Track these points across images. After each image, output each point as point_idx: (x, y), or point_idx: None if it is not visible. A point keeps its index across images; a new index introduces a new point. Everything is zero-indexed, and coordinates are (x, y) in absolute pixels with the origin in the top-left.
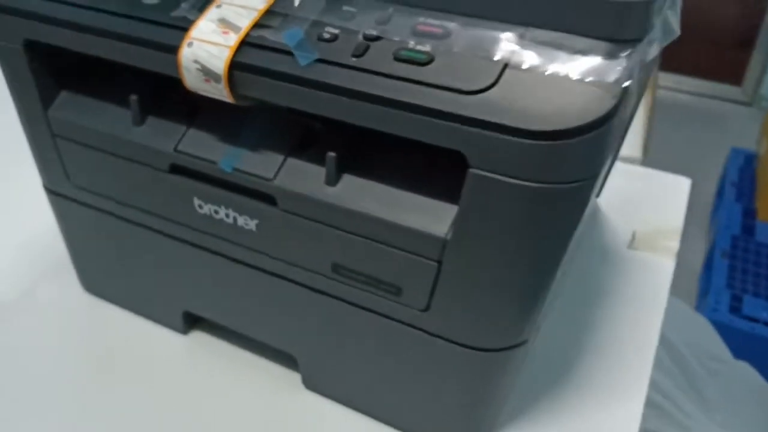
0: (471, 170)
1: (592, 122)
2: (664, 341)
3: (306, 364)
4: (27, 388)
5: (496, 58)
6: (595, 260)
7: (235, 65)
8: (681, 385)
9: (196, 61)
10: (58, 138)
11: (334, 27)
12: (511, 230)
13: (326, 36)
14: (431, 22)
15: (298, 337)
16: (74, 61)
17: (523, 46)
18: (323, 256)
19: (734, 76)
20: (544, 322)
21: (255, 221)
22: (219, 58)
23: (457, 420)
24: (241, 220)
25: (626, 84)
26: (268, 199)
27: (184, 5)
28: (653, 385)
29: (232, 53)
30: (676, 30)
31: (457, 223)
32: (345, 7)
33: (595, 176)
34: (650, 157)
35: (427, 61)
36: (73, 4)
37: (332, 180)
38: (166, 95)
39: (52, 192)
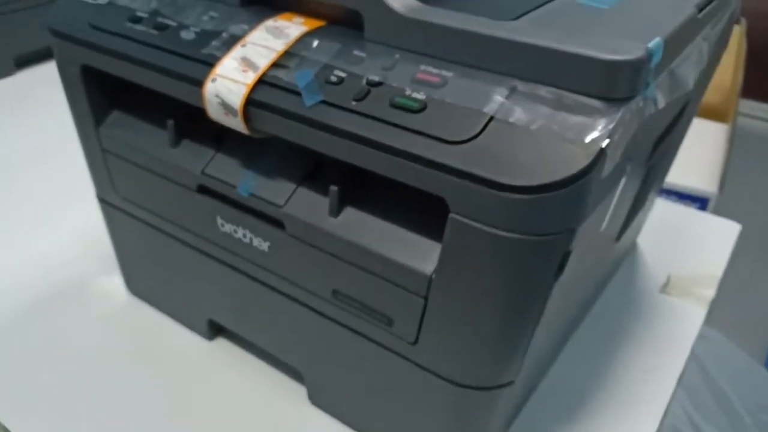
0: (451, 215)
1: (560, 181)
2: (717, 391)
3: (311, 380)
4: (63, 371)
5: (485, 109)
6: (624, 300)
7: (250, 101)
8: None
9: (217, 96)
10: (107, 153)
11: (343, 71)
12: (486, 275)
13: (333, 79)
14: (431, 71)
15: (304, 354)
16: (126, 84)
17: (513, 100)
18: (324, 281)
19: None
20: (554, 360)
21: (267, 243)
22: (237, 95)
23: None
24: (255, 241)
25: (603, 144)
26: (278, 224)
27: (214, 43)
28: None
29: (249, 90)
30: (689, 84)
31: (440, 263)
32: (356, 52)
33: (570, 231)
34: (727, 192)
35: (419, 109)
36: (123, 36)
37: (334, 211)
38: (199, 121)
39: (102, 200)
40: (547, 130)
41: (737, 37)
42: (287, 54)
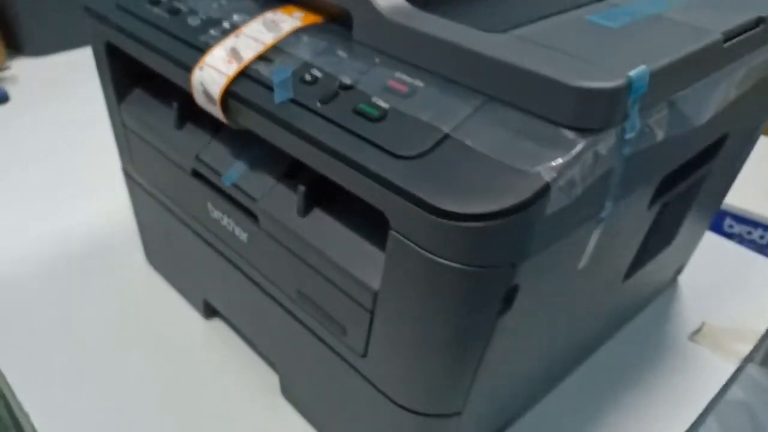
0: (391, 231)
1: (494, 212)
2: None
3: (282, 373)
4: (72, 327)
5: (443, 126)
6: (647, 342)
7: (229, 93)
8: None
9: (202, 84)
10: (127, 128)
11: (320, 70)
12: (422, 300)
13: (308, 78)
14: (403, 79)
15: (276, 347)
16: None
17: (474, 120)
18: (291, 281)
19: None
20: (544, 394)
21: (246, 234)
22: (218, 85)
23: None
24: (237, 231)
25: (549, 178)
26: (254, 217)
27: (213, 31)
28: None
29: (228, 82)
30: (701, 118)
31: (383, 280)
32: (339, 52)
33: (511, 265)
34: None
35: (378, 118)
36: (140, 18)
37: (302, 211)
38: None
39: (126, 174)
40: (499, 156)
41: None
42: (275, 48)
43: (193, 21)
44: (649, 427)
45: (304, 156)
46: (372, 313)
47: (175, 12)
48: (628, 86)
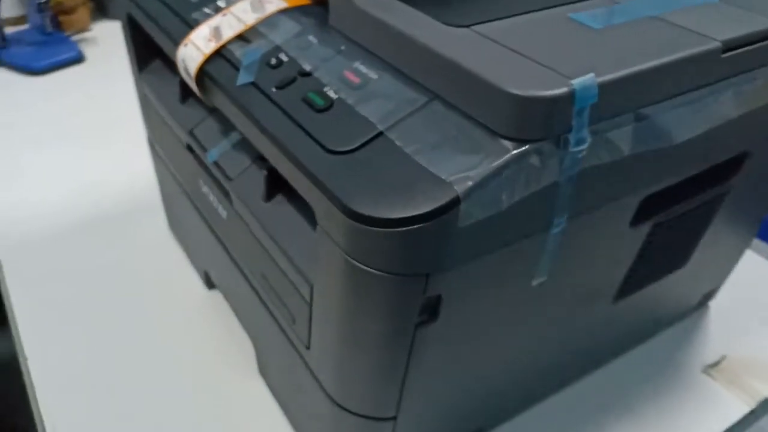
0: (318, 226)
1: (399, 219)
2: None
3: (258, 351)
4: (86, 271)
5: (379, 124)
6: (654, 369)
7: (204, 71)
8: None
9: (183, 60)
10: (146, 98)
11: (287, 55)
12: (342, 298)
13: (273, 62)
14: (359, 70)
15: (252, 326)
16: None
17: (412, 119)
18: (255, 263)
19: None
20: (518, 410)
21: (225, 212)
22: (194, 62)
23: None
24: (219, 208)
25: (461, 191)
26: (229, 196)
27: (207, 9)
28: None
29: (204, 60)
30: (678, 135)
31: (316, 273)
32: (310, 38)
33: (420, 274)
34: None
35: (322, 109)
36: None
37: (265, 196)
38: None
39: (149, 143)
40: (423, 161)
41: None
42: (253, 29)
43: None
44: None
45: (254, 140)
46: (310, 305)
47: None
48: (572, 96)
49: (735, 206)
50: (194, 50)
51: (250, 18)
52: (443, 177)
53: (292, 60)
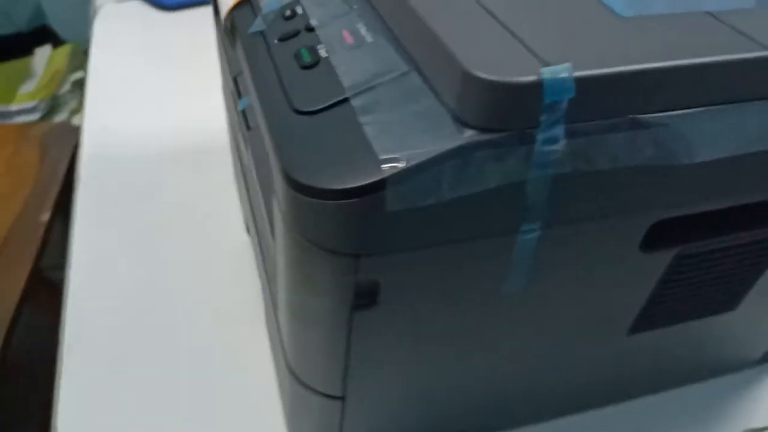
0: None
1: (323, 190)
2: None
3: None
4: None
5: (348, 90)
6: (691, 420)
7: (232, 14)
8: None
9: (220, 4)
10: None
11: (302, 8)
12: (286, 266)
13: (288, 13)
14: (358, 31)
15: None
16: None
17: (384, 89)
18: (264, 218)
19: None
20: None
21: (251, 161)
22: (226, 6)
23: None
24: (246, 156)
25: (388, 173)
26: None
27: None
28: None
29: (234, 4)
30: (692, 154)
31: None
32: None
33: (347, 254)
34: None
35: (307, 66)
36: None
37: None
38: None
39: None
40: (372, 133)
41: None
42: None
43: None
44: None
45: (245, 91)
46: (274, 263)
47: None
48: (539, 86)
49: None
50: None
51: None
52: (380, 155)
53: (304, 14)
